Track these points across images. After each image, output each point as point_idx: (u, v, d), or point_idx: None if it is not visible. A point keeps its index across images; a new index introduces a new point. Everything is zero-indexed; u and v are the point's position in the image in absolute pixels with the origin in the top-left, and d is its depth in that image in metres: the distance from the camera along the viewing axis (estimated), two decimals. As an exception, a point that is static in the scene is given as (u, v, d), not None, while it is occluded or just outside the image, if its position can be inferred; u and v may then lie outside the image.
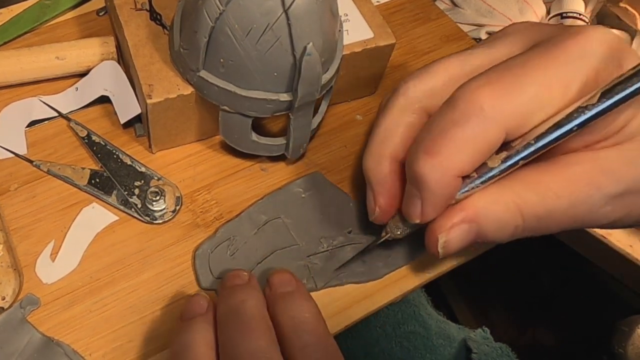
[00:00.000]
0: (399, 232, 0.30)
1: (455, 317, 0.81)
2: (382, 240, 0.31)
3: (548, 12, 0.77)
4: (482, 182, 0.26)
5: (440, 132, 0.26)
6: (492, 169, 0.26)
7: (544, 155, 0.28)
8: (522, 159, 0.26)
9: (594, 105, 0.24)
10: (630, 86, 0.23)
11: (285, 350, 0.26)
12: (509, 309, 0.80)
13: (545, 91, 0.25)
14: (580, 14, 0.74)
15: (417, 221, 0.28)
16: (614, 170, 0.26)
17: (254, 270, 0.32)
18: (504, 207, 0.27)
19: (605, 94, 0.24)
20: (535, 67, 0.25)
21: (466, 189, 0.27)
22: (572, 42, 0.26)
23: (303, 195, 0.35)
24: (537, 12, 0.76)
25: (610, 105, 0.24)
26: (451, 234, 0.27)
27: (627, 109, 0.26)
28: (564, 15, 0.75)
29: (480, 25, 0.74)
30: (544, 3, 0.77)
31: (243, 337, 0.26)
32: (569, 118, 0.25)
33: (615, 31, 0.27)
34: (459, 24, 0.47)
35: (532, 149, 0.25)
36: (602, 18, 0.80)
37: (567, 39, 0.26)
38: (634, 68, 0.23)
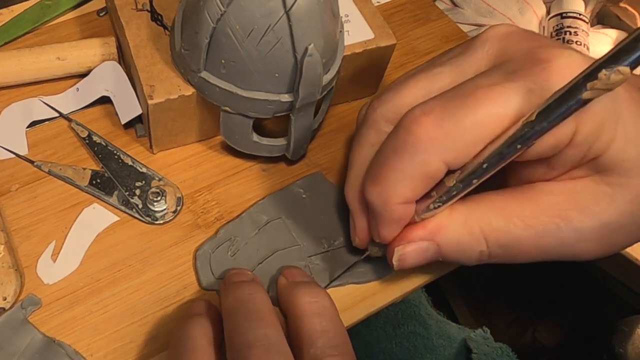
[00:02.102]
0: (376, 250, 0.31)
1: (455, 317, 0.81)
2: (363, 257, 0.32)
3: (548, 12, 0.77)
4: (442, 202, 0.27)
5: (383, 160, 0.27)
6: (449, 187, 0.26)
7: (516, 182, 0.28)
8: (475, 177, 0.25)
9: (533, 123, 0.23)
10: (565, 104, 0.22)
11: (302, 333, 0.26)
12: (509, 309, 0.80)
13: (488, 125, 0.24)
14: (580, 14, 0.74)
15: (378, 240, 0.29)
16: (586, 205, 0.26)
17: (254, 271, 0.32)
18: (467, 230, 0.27)
19: (542, 113, 0.23)
20: (481, 98, 0.24)
21: (430, 207, 0.27)
22: (525, 74, 0.24)
23: (304, 196, 0.35)
24: (537, 12, 0.76)
25: (548, 124, 0.23)
26: (408, 248, 0.28)
27: (604, 134, 0.25)
28: (564, 15, 0.75)
29: (480, 25, 0.74)
30: (544, 3, 0.77)
31: (251, 325, 0.26)
32: (512, 138, 0.24)
33: (581, 56, 0.25)
34: (459, 24, 0.47)
35: (483, 167, 0.25)
36: (602, 18, 0.80)
37: (524, 68, 0.25)
38: (564, 86, 0.22)
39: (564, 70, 0.24)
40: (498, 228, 0.26)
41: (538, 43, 0.26)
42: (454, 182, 0.26)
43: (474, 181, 0.26)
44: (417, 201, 0.27)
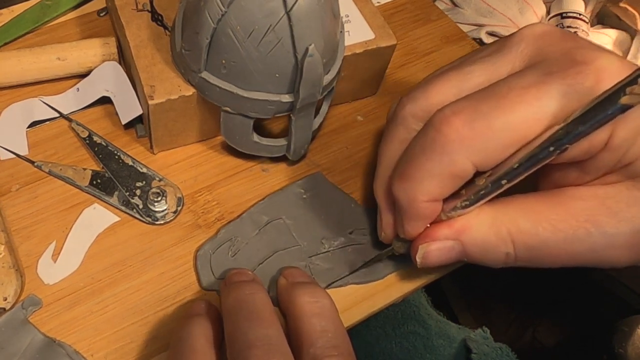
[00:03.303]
0: (399, 245, 0.31)
1: (455, 317, 0.80)
2: (385, 251, 0.32)
3: (548, 12, 0.77)
4: (470, 202, 0.26)
5: (411, 158, 0.26)
6: (479, 188, 0.26)
7: (547, 185, 0.27)
8: (506, 179, 0.25)
9: (568, 128, 0.23)
10: (603, 111, 0.22)
11: (302, 333, 0.26)
12: (509, 309, 0.80)
13: (520, 128, 0.24)
14: (580, 14, 0.74)
15: (402, 236, 0.29)
16: (618, 210, 0.25)
17: (255, 271, 0.32)
18: (494, 231, 0.26)
19: (579, 118, 0.22)
20: (515, 101, 0.24)
21: (458, 206, 0.27)
22: (561, 76, 0.24)
23: (304, 196, 0.35)
24: (537, 12, 0.76)
25: (585, 129, 0.22)
26: (432, 246, 0.28)
27: (638, 142, 0.24)
28: (564, 15, 0.75)
29: (480, 25, 0.74)
30: (544, 3, 0.77)
31: (252, 325, 0.26)
32: (546, 142, 0.23)
33: (619, 59, 0.24)
34: (459, 24, 0.47)
35: (514, 169, 0.24)
36: (602, 18, 0.80)
37: (560, 69, 0.24)
38: (603, 93, 0.22)
39: (601, 73, 0.23)
40: (526, 231, 0.26)
41: (575, 44, 0.25)
42: (484, 182, 0.26)
43: (504, 182, 0.25)
44: (446, 200, 0.27)
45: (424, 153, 0.26)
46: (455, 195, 0.27)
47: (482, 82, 0.27)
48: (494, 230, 0.26)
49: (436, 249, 0.28)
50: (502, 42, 0.28)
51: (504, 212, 0.27)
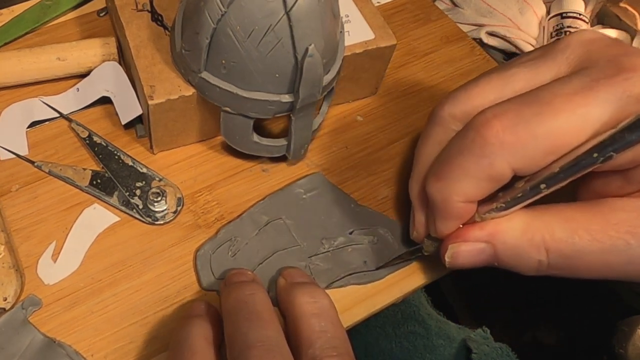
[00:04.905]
0: (429, 243, 0.31)
1: (455, 317, 0.80)
2: (415, 250, 0.32)
3: (548, 12, 0.77)
4: (507, 205, 0.26)
5: (448, 158, 0.26)
6: (517, 192, 0.25)
7: (587, 195, 0.27)
8: (545, 185, 0.24)
9: (615, 136, 0.22)
10: None
11: (301, 333, 0.26)
12: (509, 309, 0.80)
13: (563, 135, 0.23)
14: (580, 14, 0.74)
15: (434, 235, 0.29)
16: None
17: (255, 271, 0.32)
18: (527, 237, 0.26)
19: (628, 127, 0.22)
20: (559, 108, 0.23)
21: (494, 208, 0.26)
22: (607, 83, 0.23)
23: (304, 196, 0.35)
24: (537, 12, 0.76)
25: (633, 139, 0.22)
26: (462, 247, 0.27)
27: None
28: (564, 15, 0.75)
29: (480, 25, 0.74)
30: (544, 3, 0.77)
31: (252, 326, 0.25)
32: (592, 149, 0.23)
33: None
34: (459, 24, 0.47)
35: (556, 176, 0.24)
36: (602, 18, 0.80)
37: (606, 76, 0.23)
38: None
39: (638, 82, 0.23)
40: (561, 239, 0.25)
41: (623, 50, 0.25)
42: (523, 185, 0.25)
43: (542, 186, 0.25)
44: (481, 202, 0.27)
45: (461, 154, 0.25)
46: (491, 197, 0.26)
47: (524, 87, 0.26)
48: (527, 236, 0.26)
49: (466, 250, 0.27)
50: (548, 47, 0.27)
51: (539, 219, 0.26)
